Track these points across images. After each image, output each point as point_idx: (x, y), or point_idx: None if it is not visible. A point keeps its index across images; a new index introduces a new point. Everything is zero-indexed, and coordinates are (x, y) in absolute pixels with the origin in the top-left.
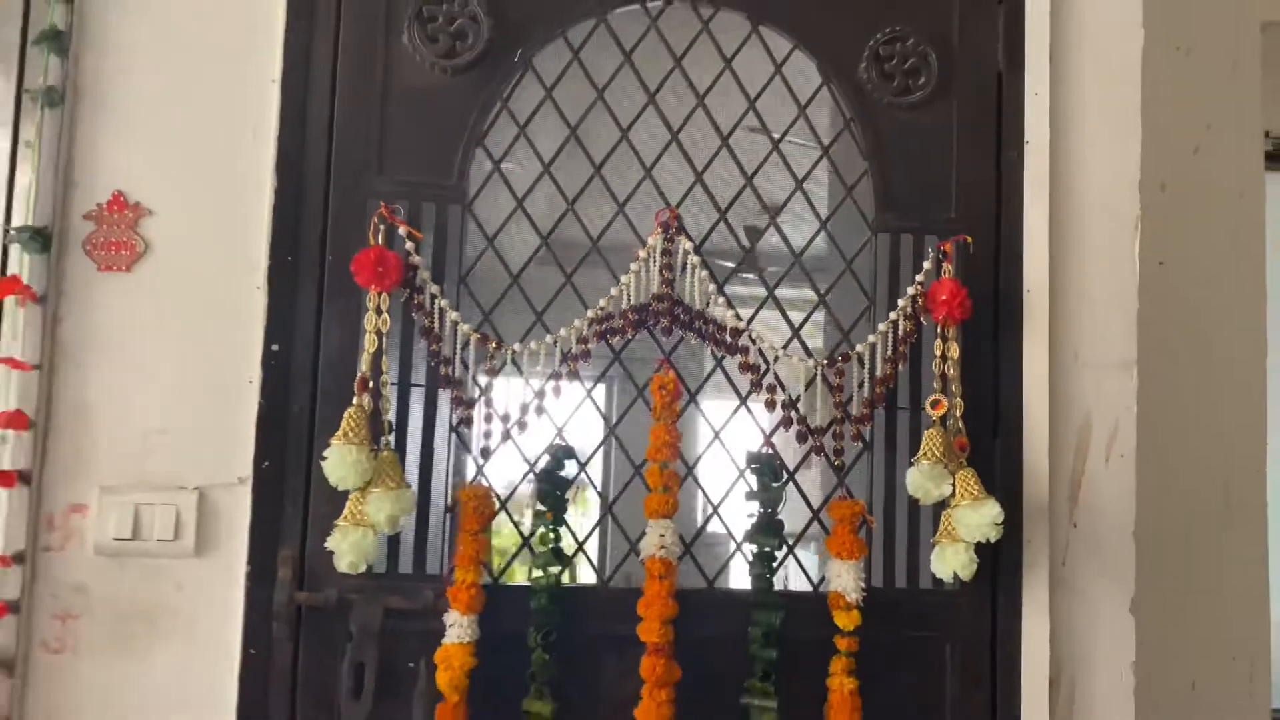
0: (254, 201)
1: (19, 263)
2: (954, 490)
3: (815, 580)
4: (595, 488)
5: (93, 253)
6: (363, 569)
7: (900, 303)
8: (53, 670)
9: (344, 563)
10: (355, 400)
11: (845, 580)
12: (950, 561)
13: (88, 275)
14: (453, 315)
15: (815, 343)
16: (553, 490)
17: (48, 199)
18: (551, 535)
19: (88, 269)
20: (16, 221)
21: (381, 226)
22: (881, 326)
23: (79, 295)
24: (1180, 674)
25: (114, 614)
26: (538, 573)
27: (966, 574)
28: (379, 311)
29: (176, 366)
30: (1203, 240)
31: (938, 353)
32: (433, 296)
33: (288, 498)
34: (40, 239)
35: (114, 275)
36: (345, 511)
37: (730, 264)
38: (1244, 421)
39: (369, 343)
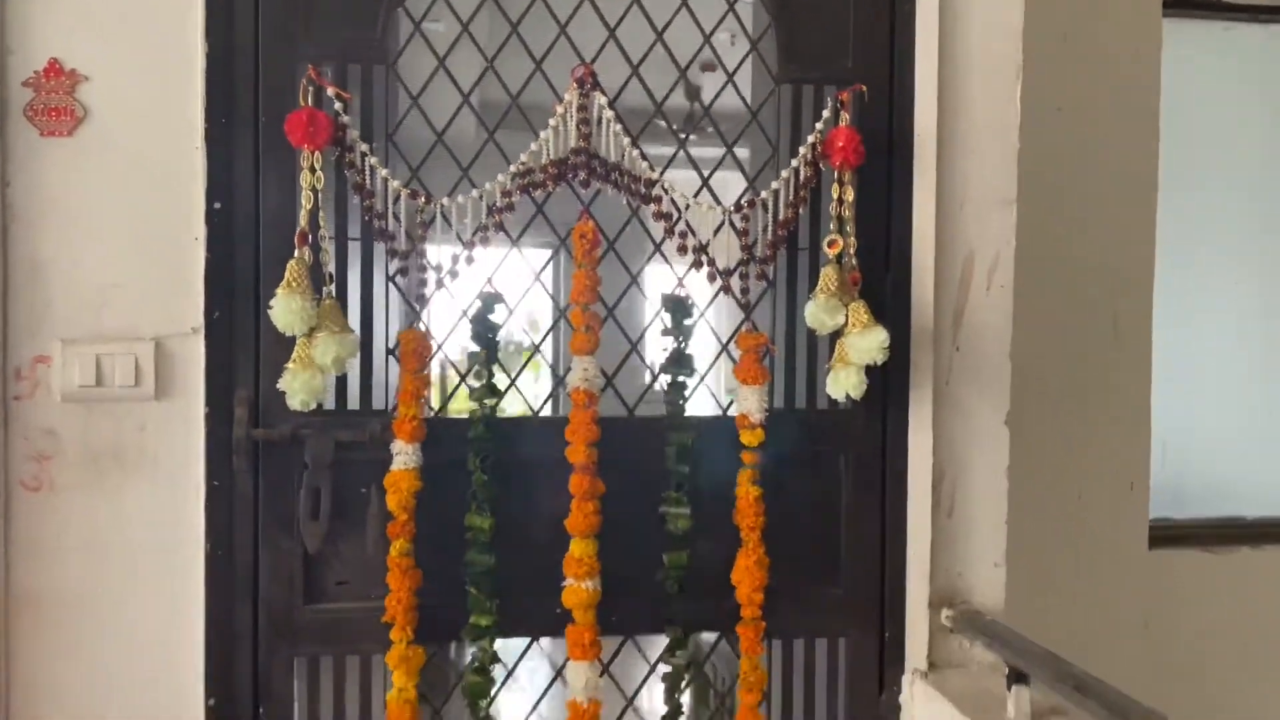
0: (187, 66)
1: None
2: (847, 320)
3: (724, 405)
4: (525, 330)
5: (34, 119)
6: (313, 406)
7: (801, 150)
8: (33, 506)
9: (295, 401)
10: (296, 253)
11: (750, 403)
12: (843, 383)
13: (31, 141)
14: (383, 172)
15: (727, 196)
16: (484, 332)
17: None
18: (486, 372)
19: (30, 135)
20: None
21: (310, 88)
22: (784, 173)
23: (24, 160)
24: (1068, 486)
25: (84, 454)
26: (474, 406)
27: (857, 393)
28: (313, 170)
29: (124, 225)
30: (1102, 86)
31: (835, 196)
32: (363, 155)
33: (239, 345)
34: None
35: (56, 140)
36: (294, 355)
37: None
38: (1134, 255)
39: (305, 199)
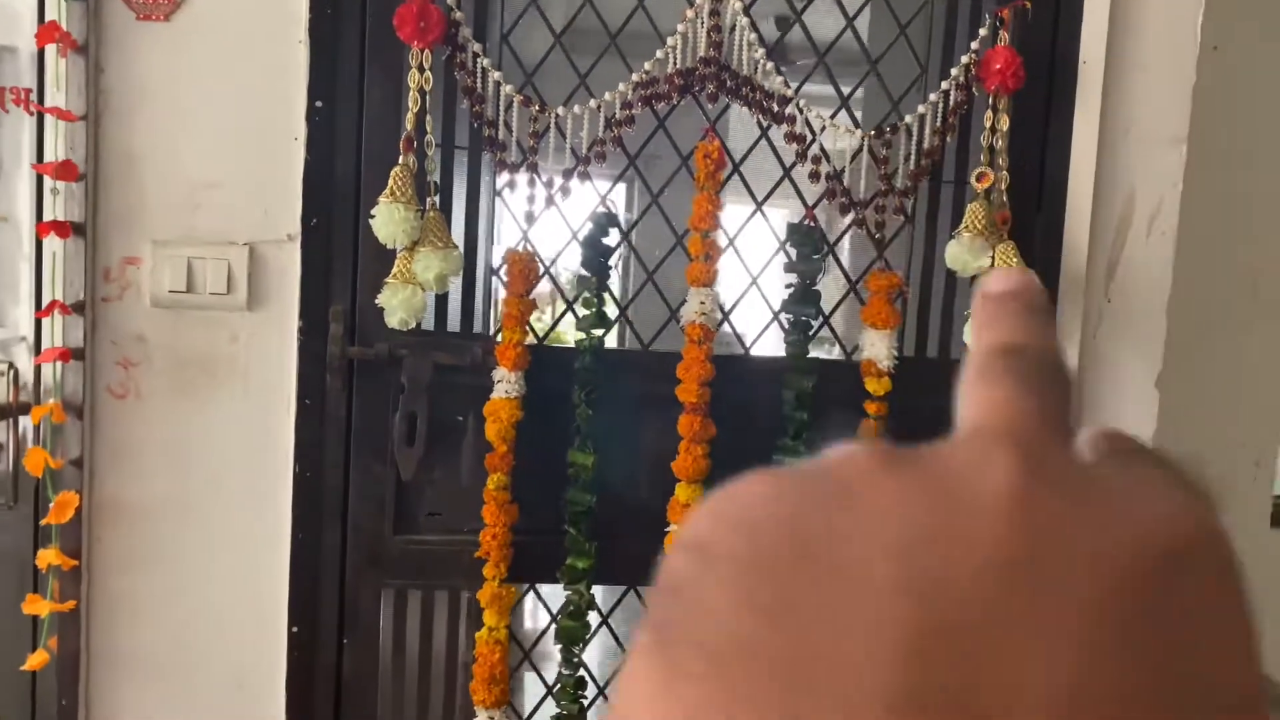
0: None
1: (56, 10)
2: (993, 263)
3: (849, 349)
4: (637, 255)
5: (130, 0)
6: (412, 325)
7: (953, 71)
8: (118, 413)
9: (394, 319)
10: (401, 159)
11: (878, 349)
12: None
13: (126, 23)
14: (495, 75)
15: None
16: (595, 256)
17: None
18: (595, 300)
19: (126, 17)
20: None
21: None
22: (932, 97)
23: (119, 44)
24: (1199, 454)
25: (173, 362)
26: (581, 335)
27: None
28: (422, 69)
29: (221, 121)
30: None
31: (987, 124)
32: (475, 55)
33: (336, 255)
34: None
35: (153, 24)
36: (394, 269)
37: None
38: None
39: (412, 101)
